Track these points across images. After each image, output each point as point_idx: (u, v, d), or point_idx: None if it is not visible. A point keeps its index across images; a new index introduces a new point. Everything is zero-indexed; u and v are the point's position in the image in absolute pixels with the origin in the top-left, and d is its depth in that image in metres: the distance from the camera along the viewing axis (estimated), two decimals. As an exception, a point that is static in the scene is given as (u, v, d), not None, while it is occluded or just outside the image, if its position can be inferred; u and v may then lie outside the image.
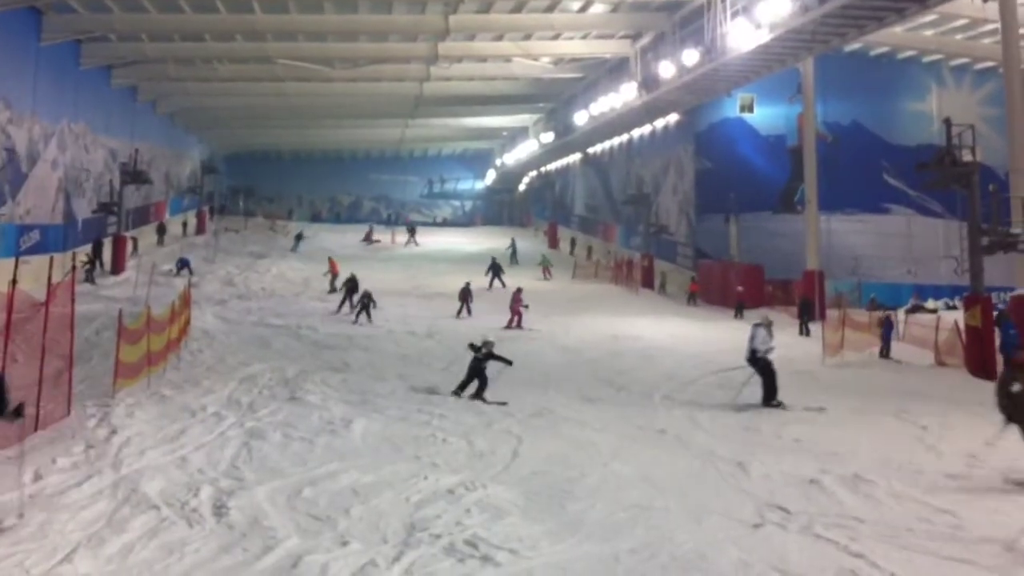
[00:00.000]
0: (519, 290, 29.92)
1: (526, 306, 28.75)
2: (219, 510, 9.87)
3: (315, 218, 77.48)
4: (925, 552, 9.01)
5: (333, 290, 33.61)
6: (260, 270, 40.25)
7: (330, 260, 36.75)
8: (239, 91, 51.65)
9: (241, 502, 10.15)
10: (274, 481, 11.03)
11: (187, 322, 22.44)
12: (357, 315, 27.90)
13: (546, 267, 44.77)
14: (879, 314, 28.28)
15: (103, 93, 41.87)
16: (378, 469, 11.65)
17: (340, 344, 23.28)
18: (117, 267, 37.03)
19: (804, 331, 30.17)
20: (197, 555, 8.61)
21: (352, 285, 30.05)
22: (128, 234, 40.87)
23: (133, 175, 39.09)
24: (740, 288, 35.54)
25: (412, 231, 58.79)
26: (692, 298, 38.52)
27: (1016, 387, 11.82)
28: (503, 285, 36.63)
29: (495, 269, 38.45)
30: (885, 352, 25.38)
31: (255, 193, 77.32)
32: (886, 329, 26.00)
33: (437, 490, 10.80)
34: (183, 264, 36.90)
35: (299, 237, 52.59)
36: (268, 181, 78.99)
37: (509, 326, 27.82)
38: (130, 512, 9.75)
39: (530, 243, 62.69)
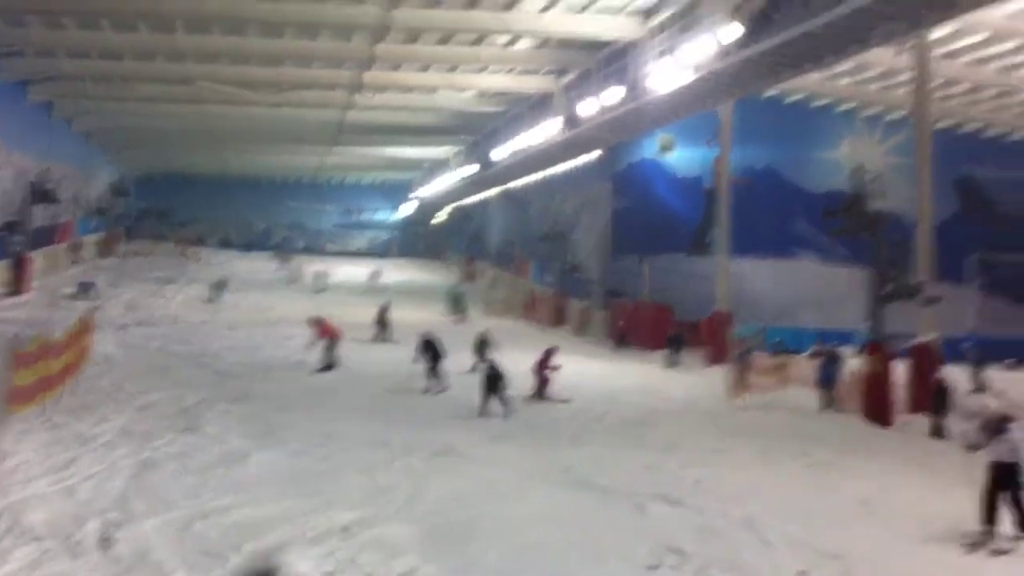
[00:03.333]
0: (549, 351, 23.34)
1: (557, 367, 23.05)
2: (105, 542, 9.64)
3: (225, 244, 76.27)
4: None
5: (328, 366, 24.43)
6: (166, 296, 39.54)
7: (318, 322, 25.82)
8: (158, 112, 50.64)
9: (129, 535, 9.91)
10: (165, 514, 10.76)
11: (87, 347, 21.84)
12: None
13: (460, 310, 40.82)
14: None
15: (19, 108, 40.97)
16: (274, 504, 11.44)
17: (244, 374, 22.83)
18: (19, 288, 35.93)
19: (673, 363, 31.83)
20: (79, 589, 8.36)
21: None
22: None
23: (42, 194, 38.15)
24: (621, 323, 37.41)
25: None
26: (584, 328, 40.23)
27: None
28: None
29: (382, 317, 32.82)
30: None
31: (167, 217, 75.97)
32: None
33: (332, 527, 10.62)
34: (86, 287, 35.99)
35: (220, 286, 42.06)
36: (182, 205, 77.60)
37: (535, 395, 22.36)
38: (12, 543, 9.47)
39: (443, 277, 62.64)
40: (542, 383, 22.67)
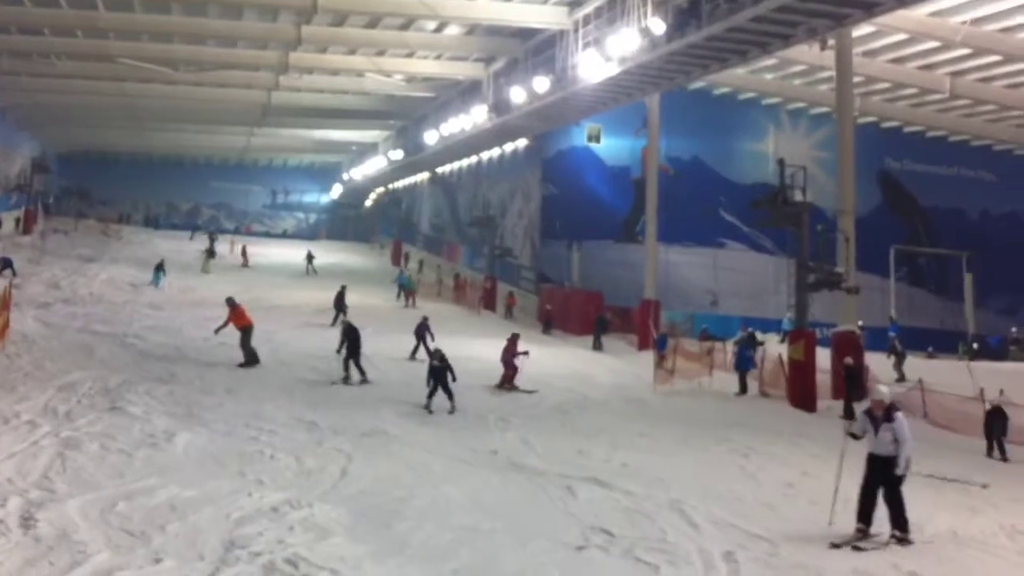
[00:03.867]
0: (515, 337, 23.35)
1: (524, 353, 22.70)
2: (27, 522, 9.37)
3: (148, 223, 74.89)
4: (739, 577, 9.27)
5: (248, 359, 21.90)
6: (88, 274, 38.65)
7: (233, 305, 23.14)
8: (78, 89, 49.67)
9: (51, 514, 9.67)
10: (88, 494, 10.54)
11: (6, 325, 21.32)
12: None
13: (410, 291, 40.09)
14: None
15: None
16: (199, 484, 11.26)
17: (168, 355, 22.39)
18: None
19: (597, 345, 32.85)
20: (0, 568, 8.14)
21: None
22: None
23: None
24: (548, 307, 38.48)
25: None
26: (509, 311, 40.45)
27: None
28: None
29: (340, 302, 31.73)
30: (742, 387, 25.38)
31: (89, 195, 74.40)
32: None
33: (260, 507, 10.51)
34: (6, 264, 35.09)
35: (160, 268, 38.80)
36: (104, 183, 76.09)
37: (502, 385, 22.12)
38: (-69, 522, 9.18)
39: (373, 260, 62.37)
40: (512, 372, 22.26)
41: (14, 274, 33.88)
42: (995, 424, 19.23)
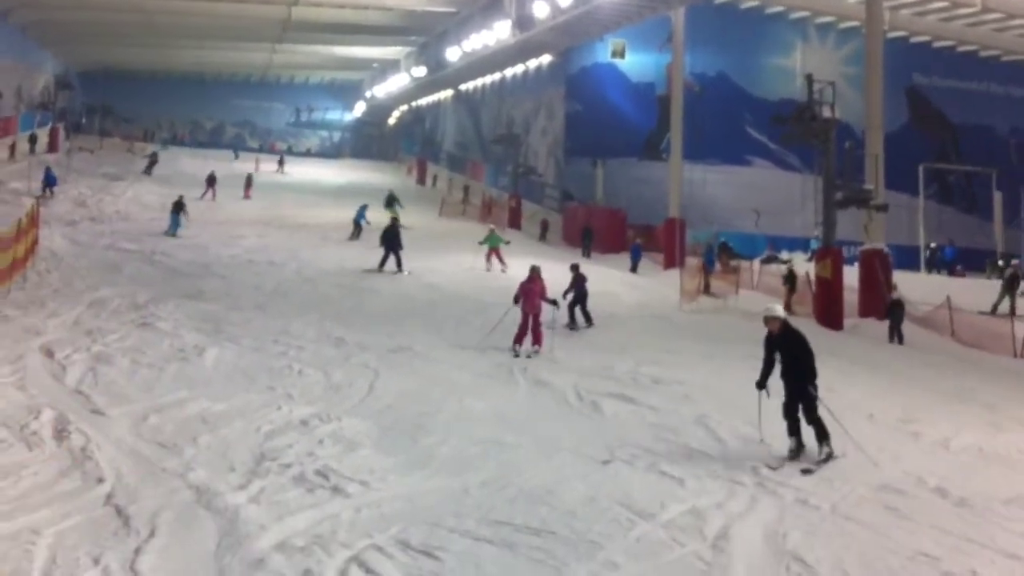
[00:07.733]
0: (535, 273, 17.71)
1: (553, 302, 17.53)
2: (60, 434, 9.54)
3: (173, 141, 74.52)
4: (764, 489, 9.32)
5: None
6: (115, 192, 38.75)
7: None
8: (98, 5, 49.21)
9: (83, 427, 9.82)
10: (119, 407, 10.71)
11: (35, 242, 21.48)
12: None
13: (495, 248, 28.17)
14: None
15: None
16: (229, 398, 11.42)
17: (196, 272, 22.57)
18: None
19: (586, 254, 33.79)
20: (35, 479, 8.31)
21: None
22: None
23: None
24: (543, 220, 40.79)
25: (281, 161, 58.63)
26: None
27: None
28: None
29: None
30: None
31: (112, 112, 73.94)
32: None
33: (290, 421, 10.66)
34: (51, 180, 34.94)
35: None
36: (126, 100, 75.40)
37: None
38: (-35, 434, 9.33)
39: (397, 179, 62.14)
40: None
41: (52, 194, 34.02)
42: (895, 314, 21.91)
